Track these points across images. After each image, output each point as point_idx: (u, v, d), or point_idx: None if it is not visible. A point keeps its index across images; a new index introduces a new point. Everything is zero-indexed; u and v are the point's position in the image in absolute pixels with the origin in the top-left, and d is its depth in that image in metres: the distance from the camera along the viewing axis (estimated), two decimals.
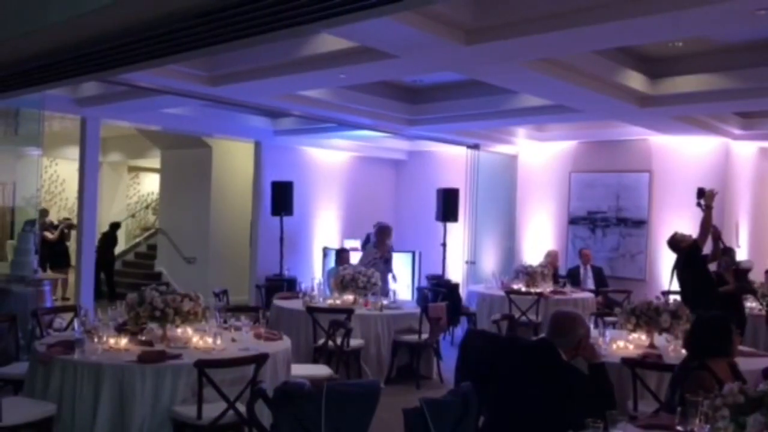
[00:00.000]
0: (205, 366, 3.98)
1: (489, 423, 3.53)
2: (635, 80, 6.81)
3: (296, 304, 6.98)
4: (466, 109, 8.38)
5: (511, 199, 11.45)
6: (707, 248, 6.66)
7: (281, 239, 10.32)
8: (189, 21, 3.41)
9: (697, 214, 6.53)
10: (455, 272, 11.35)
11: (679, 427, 2.95)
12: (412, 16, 4.52)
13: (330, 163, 11.98)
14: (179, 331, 4.78)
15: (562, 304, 7.97)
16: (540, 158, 11.15)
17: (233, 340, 4.85)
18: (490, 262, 11.49)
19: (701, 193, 6.47)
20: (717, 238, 6.62)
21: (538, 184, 11.18)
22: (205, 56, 5.29)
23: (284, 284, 9.63)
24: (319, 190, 11.74)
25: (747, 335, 6.64)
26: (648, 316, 5.27)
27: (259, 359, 4.12)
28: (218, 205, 11.91)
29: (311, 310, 6.35)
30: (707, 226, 6.33)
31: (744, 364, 4.17)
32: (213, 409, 3.97)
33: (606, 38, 5.06)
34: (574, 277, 9.77)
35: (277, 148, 10.97)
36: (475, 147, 10.96)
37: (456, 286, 10.27)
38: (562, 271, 10.16)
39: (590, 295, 9.00)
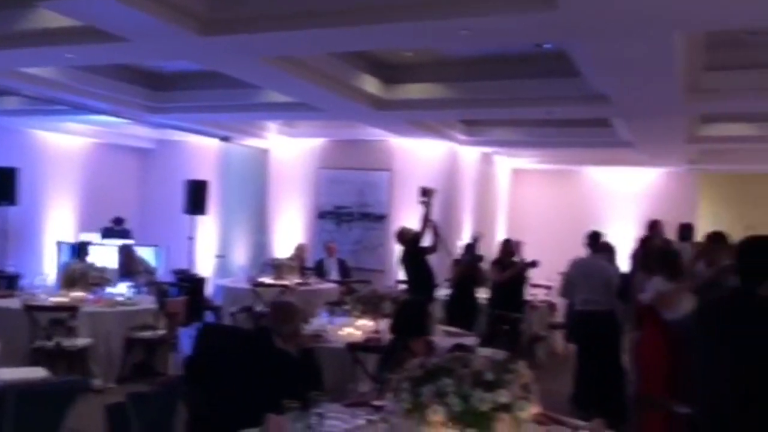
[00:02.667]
0: None
1: (215, 410, 3.56)
2: (371, 84, 7.27)
3: (13, 303, 6.36)
4: (213, 100, 8.27)
5: (262, 193, 11.53)
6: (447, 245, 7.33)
7: (4, 231, 9.28)
8: None
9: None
10: (205, 266, 11.16)
11: (374, 402, 3.25)
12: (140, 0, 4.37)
13: (65, 148, 11.01)
14: None
15: (307, 295, 8.26)
16: (291, 153, 11.39)
17: None
18: (240, 256, 11.47)
19: (424, 191, 7.14)
20: (436, 231, 7.34)
21: (289, 179, 11.41)
22: None
23: (4, 281, 8.67)
24: (51, 178, 10.74)
25: None
26: (373, 303, 5.70)
27: None
28: None
29: (29, 309, 5.83)
30: (427, 220, 7.00)
31: (446, 341, 4.73)
32: None
33: (341, 42, 5.33)
34: (320, 269, 10.15)
35: None
36: (226, 139, 10.86)
37: (201, 281, 10.10)
38: (311, 264, 10.51)
39: (334, 285, 9.42)
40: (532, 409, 2.81)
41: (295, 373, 3.39)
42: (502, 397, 2.73)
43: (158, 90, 8.37)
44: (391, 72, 7.44)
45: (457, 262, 7.61)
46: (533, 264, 8.30)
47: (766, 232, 8.99)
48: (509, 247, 8.28)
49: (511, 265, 8.05)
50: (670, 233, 8.13)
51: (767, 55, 6.07)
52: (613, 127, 8.55)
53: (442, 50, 6.78)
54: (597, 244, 7.01)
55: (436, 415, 2.75)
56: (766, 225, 10.74)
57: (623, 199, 12.48)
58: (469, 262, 7.41)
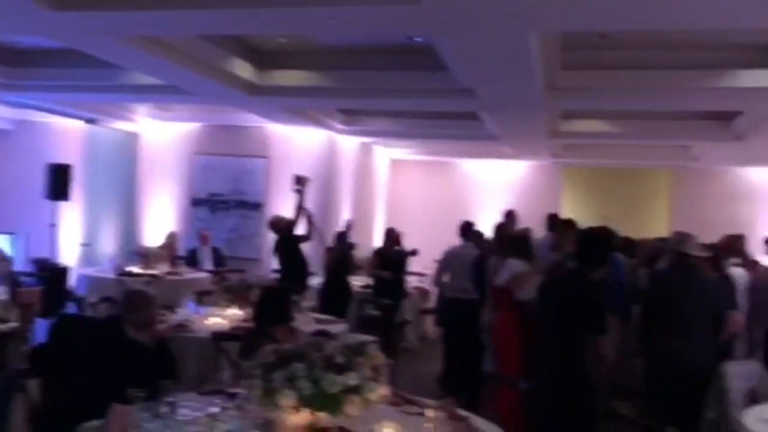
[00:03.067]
0: None
1: (60, 403, 3.40)
2: (244, 69, 7.15)
3: None
4: (75, 79, 7.81)
5: (131, 178, 11.04)
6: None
7: None
8: None
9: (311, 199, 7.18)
10: (70, 255, 10.55)
11: (230, 390, 3.23)
12: None
13: None
14: None
15: (177, 285, 8.04)
16: (164, 138, 10.98)
17: None
18: (107, 245, 10.94)
19: (298, 179, 7.14)
20: (309, 220, 7.35)
21: (161, 164, 11.00)
22: None
23: None
24: None
25: None
26: (241, 292, 5.64)
27: None
28: None
29: None
30: (301, 208, 7.01)
31: (312, 328, 4.77)
32: None
33: (206, 25, 5.21)
34: (193, 258, 9.88)
35: None
36: (92, 122, 10.30)
37: (64, 270, 9.55)
38: (183, 253, 10.21)
39: (206, 275, 9.19)
40: (382, 391, 2.90)
41: (147, 363, 3.30)
42: (352, 379, 2.81)
43: (13, 66, 7.80)
44: (265, 57, 7.35)
45: (329, 250, 7.67)
46: (413, 253, 8.50)
47: (621, 222, 9.71)
48: (393, 236, 8.42)
49: (394, 254, 8.19)
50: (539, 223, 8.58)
51: (619, 57, 6.54)
52: (482, 120, 8.91)
53: (316, 38, 6.77)
54: (469, 233, 7.29)
55: (287, 399, 2.79)
56: (621, 215, 11.66)
57: (494, 190, 13.05)
58: (341, 250, 7.48)
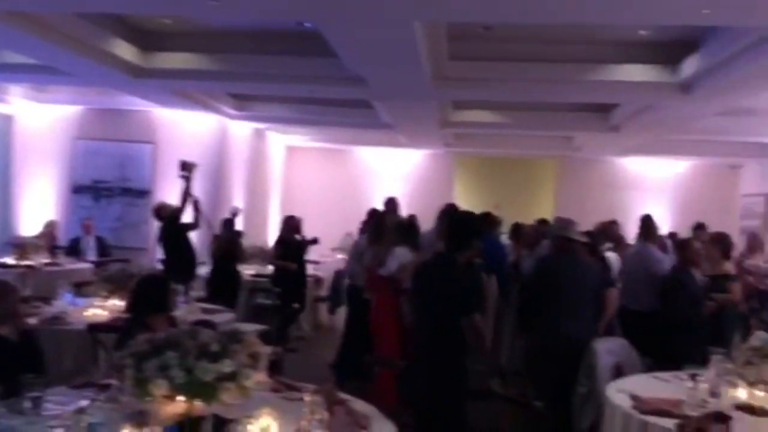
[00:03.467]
0: None
1: None
2: (126, 50, 6.85)
3: None
4: None
5: (6, 164, 10.34)
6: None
7: None
8: None
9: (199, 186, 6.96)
10: None
11: (102, 382, 3.11)
12: None
13: None
14: None
15: (55, 276, 7.62)
16: (41, 121, 10.35)
17: None
18: None
19: (184, 165, 6.93)
20: (197, 207, 7.16)
21: (39, 149, 10.37)
22: None
23: None
24: None
25: None
26: (121, 283, 5.41)
27: None
28: None
29: None
30: (187, 195, 6.81)
31: (195, 318, 4.68)
32: None
33: (82, 1, 4.96)
34: (75, 248, 9.41)
35: None
36: None
37: None
38: (64, 242, 9.70)
39: (89, 265, 8.78)
40: (260, 378, 2.88)
41: (9, 357, 3.12)
42: (227, 366, 2.77)
43: None
44: (149, 39, 7.07)
45: (216, 238, 7.50)
46: (314, 241, 8.43)
47: (511, 208, 10.09)
48: (292, 224, 8.27)
49: (294, 242, 8.07)
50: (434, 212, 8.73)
51: (502, 49, 6.77)
52: (375, 109, 8.98)
53: (202, 20, 6.58)
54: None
55: (160, 388, 2.71)
56: (511, 203, 12.13)
57: (391, 178, 13.21)
58: (228, 238, 7.33)
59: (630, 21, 5.38)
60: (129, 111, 10.08)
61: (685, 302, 5.30)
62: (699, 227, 7.09)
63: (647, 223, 6.30)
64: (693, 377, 3.22)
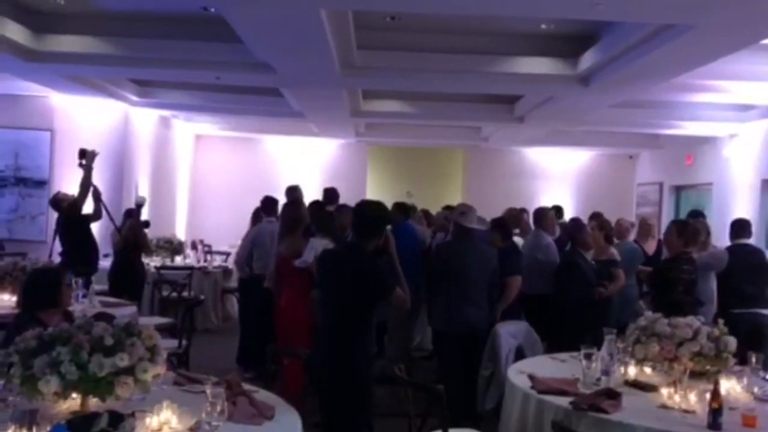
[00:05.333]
0: None
1: None
2: (16, 32, 6.44)
3: None
4: None
5: None
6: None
7: None
8: None
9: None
10: None
11: None
12: None
13: None
14: None
15: None
16: None
17: None
18: None
19: (83, 153, 6.63)
20: (97, 197, 6.87)
21: None
22: None
23: None
24: None
25: None
26: (13, 277, 5.15)
27: None
28: None
29: None
30: (87, 184, 6.53)
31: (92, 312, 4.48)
32: None
33: None
34: None
35: None
36: None
37: None
38: None
39: None
40: (158, 371, 2.81)
41: None
42: (123, 361, 2.68)
43: None
44: (41, 20, 6.68)
45: (119, 229, 7.21)
46: (146, 224, 7.86)
47: (422, 197, 10.27)
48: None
49: None
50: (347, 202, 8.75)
51: (409, 39, 6.82)
52: (285, 97, 8.87)
53: (97, 1, 6.29)
54: (273, 209, 7.14)
55: (50, 386, 2.60)
56: (423, 192, 12.31)
57: (303, 168, 13.08)
58: (131, 229, 7.05)
59: (528, 13, 5.54)
60: (23, 96, 9.51)
61: (577, 284, 5.57)
62: (594, 216, 7.43)
63: (540, 212, 6.59)
64: (588, 357, 3.38)
